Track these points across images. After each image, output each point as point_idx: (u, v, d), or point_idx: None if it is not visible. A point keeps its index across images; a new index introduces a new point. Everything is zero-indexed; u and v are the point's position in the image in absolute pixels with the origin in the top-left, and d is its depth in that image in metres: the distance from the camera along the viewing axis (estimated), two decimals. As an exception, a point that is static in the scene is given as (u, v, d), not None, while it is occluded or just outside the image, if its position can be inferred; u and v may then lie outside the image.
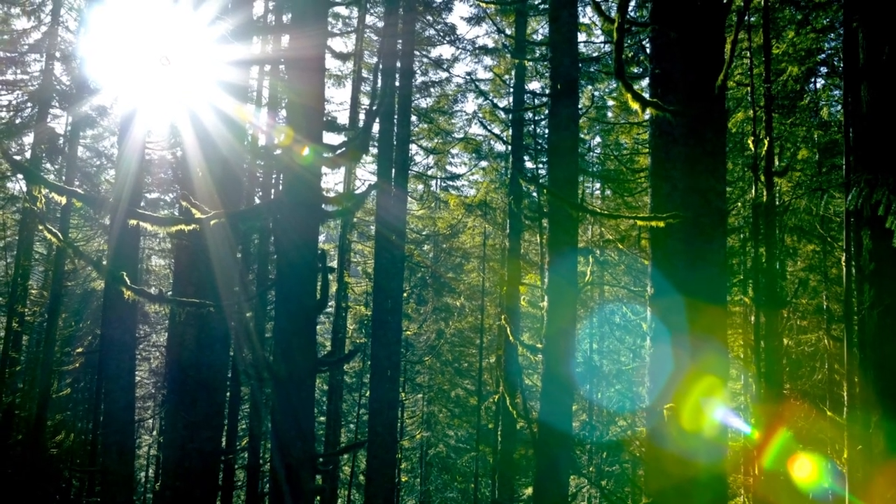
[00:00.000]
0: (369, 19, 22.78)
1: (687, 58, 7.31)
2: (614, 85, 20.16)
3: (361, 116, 21.48)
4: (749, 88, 12.42)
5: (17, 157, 20.26)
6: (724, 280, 7.72)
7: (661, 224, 7.31)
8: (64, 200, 7.19)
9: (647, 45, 11.65)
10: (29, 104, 20.46)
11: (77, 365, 23.88)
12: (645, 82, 17.81)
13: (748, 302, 14.10)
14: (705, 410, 6.97)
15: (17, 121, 20.60)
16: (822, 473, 12.12)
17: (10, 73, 20.92)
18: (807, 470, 11.74)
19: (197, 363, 11.82)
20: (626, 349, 22.10)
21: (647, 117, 11.20)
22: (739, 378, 16.04)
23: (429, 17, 21.39)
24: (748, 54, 12.51)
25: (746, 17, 11.31)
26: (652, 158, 8.73)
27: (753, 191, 12.40)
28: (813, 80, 15.87)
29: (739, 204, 16.03)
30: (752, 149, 12.01)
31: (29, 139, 21.01)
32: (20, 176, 19.83)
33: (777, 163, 13.93)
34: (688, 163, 7.28)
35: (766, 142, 11.44)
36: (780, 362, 12.25)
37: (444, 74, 24.03)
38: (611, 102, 22.05)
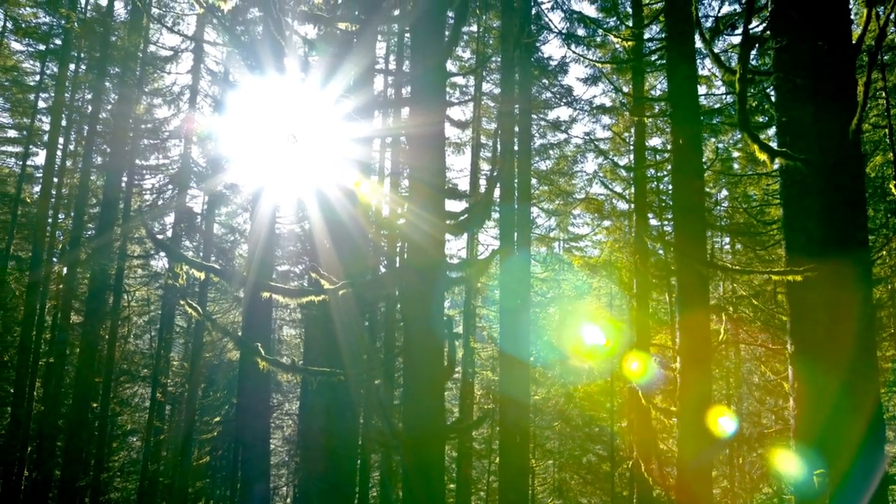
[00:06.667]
0: (486, 86, 23.23)
1: (816, 103, 7.01)
2: (739, 136, 19.59)
3: (482, 182, 21.73)
4: (887, 130, 11.80)
5: (160, 236, 21.57)
6: (871, 335, 7.22)
7: (799, 278, 6.95)
8: (202, 276, 7.51)
9: (772, 92, 11.30)
10: (170, 186, 21.87)
11: (215, 433, 24.74)
12: (771, 131, 17.25)
13: (901, 357, 13.18)
14: (860, 476, 6.46)
15: (160, 202, 22.02)
16: None
17: (154, 158, 22.49)
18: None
19: (328, 431, 12.01)
20: (766, 411, 20.96)
21: (775, 167, 10.80)
22: (896, 441, 14.89)
23: (544, 81, 21.57)
24: (883, 94, 11.93)
25: (879, 57, 10.83)
26: (784, 209, 8.35)
27: (899, 238, 11.67)
28: (958, 117, 14.93)
29: (884, 252, 15.10)
30: (895, 194, 11.34)
31: (170, 219, 22.42)
32: (162, 254, 21.07)
33: (924, 207, 13.11)
34: (824, 212, 6.93)
35: (909, 186, 10.79)
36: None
37: (563, 136, 24.07)
38: (736, 154, 21.44)
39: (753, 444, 19.97)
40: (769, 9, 7.89)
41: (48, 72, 22.46)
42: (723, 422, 10.71)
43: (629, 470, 20.74)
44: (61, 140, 22.27)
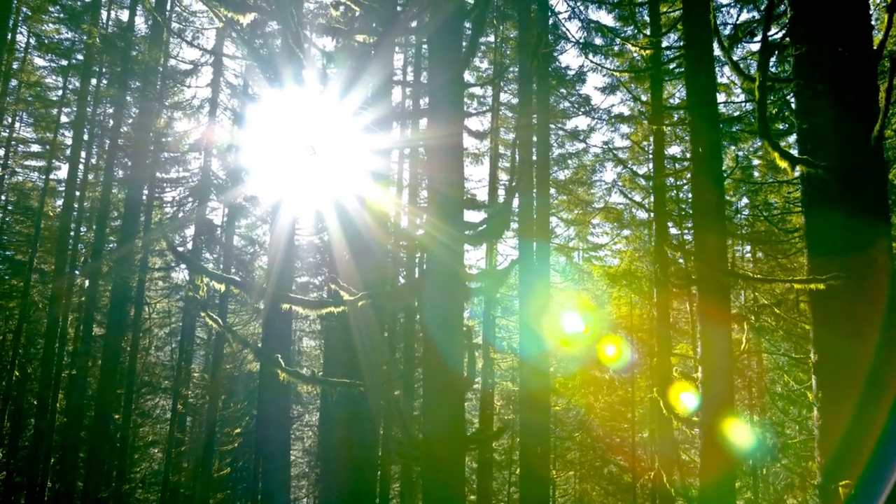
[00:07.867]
0: (503, 97, 23.23)
1: (837, 110, 6.95)
2: (759, 143, 19.46)
3: (500, 192, 21.72)
4: (909, 137, 11.68)
5: (181, 249, 21.73)
6: (897, 344, 7.12)
7: (822, 286, 6.87)
8: (223, 288, 7.54)
9: (792, 99, 11.22)
10: (190, 198, 22.04)
11: (235, 445, 24.81)
12: (792, 138, 17.11)
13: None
14: (880, 485, 6.36)
15: (180, 214, 22.19)
16: None
17: (174, 171, 22.68)
18: None
19: (348, 442, 12.01)
20: (790, 421, 20.73)
21: (797, 175, 10.71)
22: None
23: (562, 90, 21.56)
24: (905, 101, 11.78)
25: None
26: (806, 217, 8.27)
27: (924, 245, 11.51)
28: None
29: (909, 260, 14.87)
30: (918, 201, 11.21)
31: (190, 231, 22.60)
32: (183, 266, 21.21)
33: (949, 214, 12.92)
34: (847, 219, 6.85)
35: (933, 192, 10.66)
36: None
37: (581, 145, 24.02)
38: (756, 161, 21.28)
39: (777, 455, 19.76)
40: (788, 15, 7.84)
41: (70, 87, 22.76)
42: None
43: (651, 481, 20.57)
44: (83, 154, 22.51)
